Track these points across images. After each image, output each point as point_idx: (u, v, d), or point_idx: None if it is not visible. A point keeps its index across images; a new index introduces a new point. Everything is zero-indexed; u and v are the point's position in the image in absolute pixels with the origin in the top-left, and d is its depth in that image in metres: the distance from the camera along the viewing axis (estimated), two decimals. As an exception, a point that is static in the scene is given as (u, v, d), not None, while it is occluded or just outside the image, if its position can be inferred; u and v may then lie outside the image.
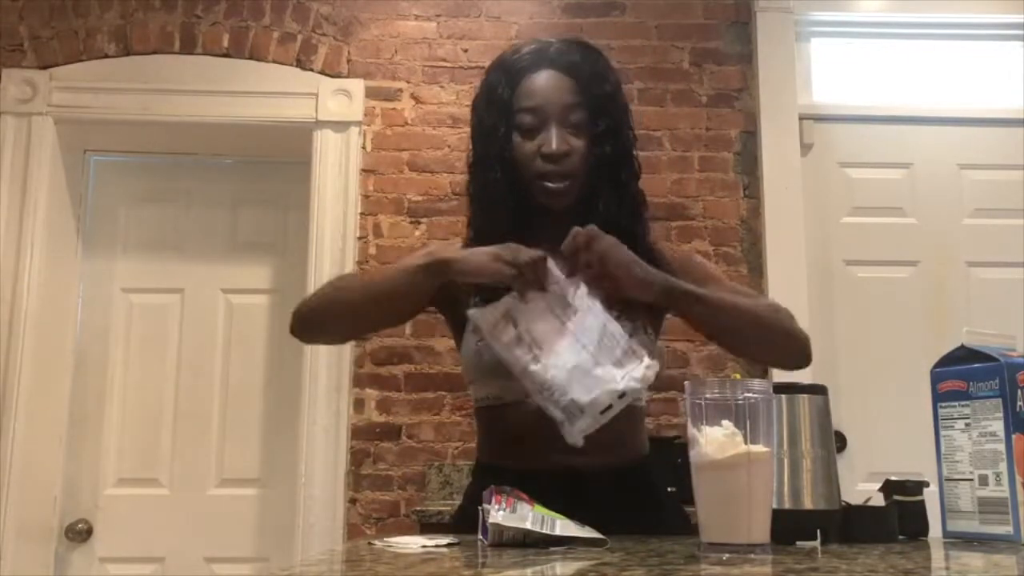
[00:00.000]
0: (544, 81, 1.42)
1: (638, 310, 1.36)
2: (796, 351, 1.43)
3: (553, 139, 1.39)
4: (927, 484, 1.22)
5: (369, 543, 1.09)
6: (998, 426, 1.12)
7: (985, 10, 3.24)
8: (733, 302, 1.39)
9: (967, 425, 1.15)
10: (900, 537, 1.17)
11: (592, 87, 1.42)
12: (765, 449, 0.98)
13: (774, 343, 1.42)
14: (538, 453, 1.36)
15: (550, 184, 1.40)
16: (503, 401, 1.41)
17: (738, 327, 1.38)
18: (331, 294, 1.46)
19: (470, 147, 1.49)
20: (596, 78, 1.43)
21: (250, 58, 3.13)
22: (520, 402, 1.37)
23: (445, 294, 1.40)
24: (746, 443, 0.97)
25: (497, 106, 1.42)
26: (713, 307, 1.35)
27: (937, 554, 1.05)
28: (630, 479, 1.42)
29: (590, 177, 1.42)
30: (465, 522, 1.24)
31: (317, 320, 1.47)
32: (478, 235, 1.43)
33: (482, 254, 1.29)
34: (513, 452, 1.42)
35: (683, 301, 1.33)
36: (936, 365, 1.22)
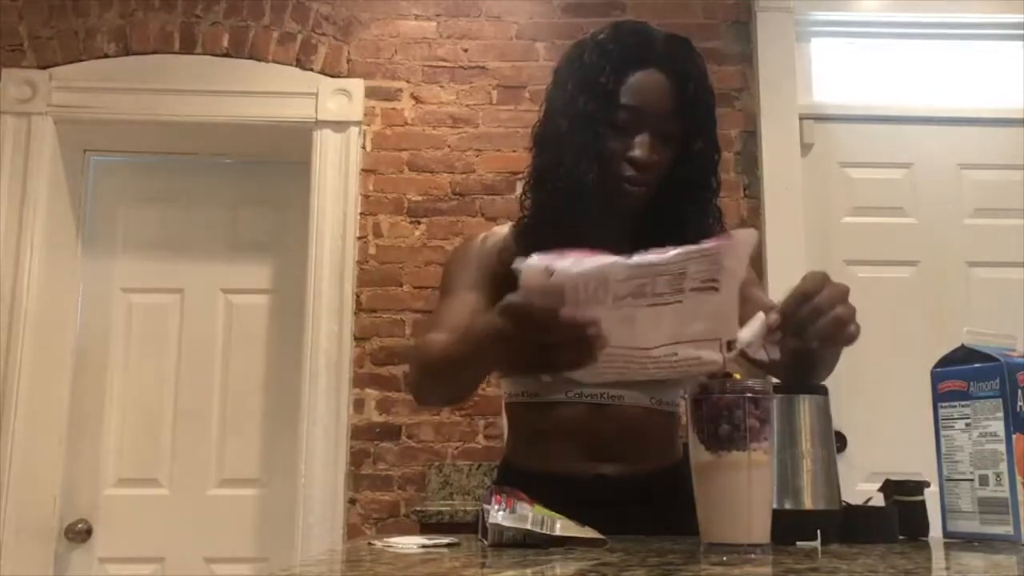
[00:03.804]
0: (649, 82, 1.35)
1: None
2: None
3: (644, 147, 1.34)
4: (927, 484, 1.22)
5: (369, 543, 1.09)
6: (998, 426, 1.11)
7: (985, 10, 3.24)
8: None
9: (967, 425, 1.15)
10: (900, 537, 1.17)
11: (692, 97, 1.36)
12: (765, 450, 0.98)
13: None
14: (567, 457, 1.35)
15: (627, 187, 1.36)
16: (539, 399, 1.40)
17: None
18: (421, 368, 1.36)
19: (540, 122, 1.42)
20: (697, 88, 1.37)
21: (250, 58, 3.13)
22: (555, 403, 1.37)
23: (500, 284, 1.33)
24: (745, 445, 0.96)
25: (599, 95, 1.35)
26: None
27: (937, 554, 1.05)
28: (658, 486, 1.39)
29: (664, 185, 1.38)
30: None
31: (424, 391, 1.40)
32: (550, 220, 1.36)
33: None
34: (540, 453, 1.40)
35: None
36: (936, 365, 1.21)
